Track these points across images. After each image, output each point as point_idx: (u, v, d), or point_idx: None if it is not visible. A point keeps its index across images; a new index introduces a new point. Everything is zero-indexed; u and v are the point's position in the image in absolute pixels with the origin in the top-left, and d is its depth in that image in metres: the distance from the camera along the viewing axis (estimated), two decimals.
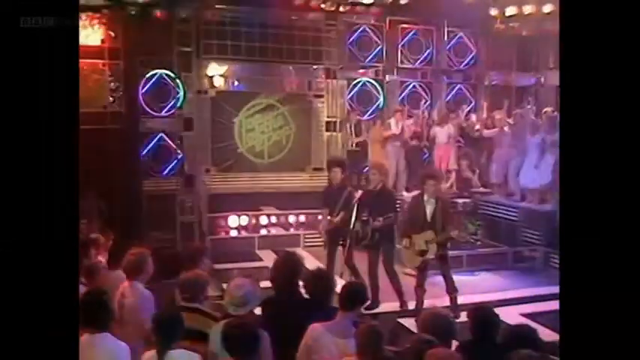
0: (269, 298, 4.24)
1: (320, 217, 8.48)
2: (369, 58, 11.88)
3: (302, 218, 11.24)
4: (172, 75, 10.66)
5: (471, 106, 12.34)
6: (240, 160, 11.70)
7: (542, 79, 12.10)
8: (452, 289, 7.36)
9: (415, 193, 8.02)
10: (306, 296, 4.13)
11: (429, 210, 7.34)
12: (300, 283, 4.20)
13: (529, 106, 10.70)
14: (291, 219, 11.22)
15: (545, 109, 10.41)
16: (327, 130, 11.91)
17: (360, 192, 7.82)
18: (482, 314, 3.97)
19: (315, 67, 11.73)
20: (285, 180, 11.82)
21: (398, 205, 8.35)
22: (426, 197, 7.36)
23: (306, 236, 10.63)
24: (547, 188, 9.83)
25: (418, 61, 12.18)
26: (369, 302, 4.05)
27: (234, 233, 10.88)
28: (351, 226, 7.50)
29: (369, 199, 7.52)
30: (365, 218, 7.52)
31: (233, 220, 10.87)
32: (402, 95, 12.23)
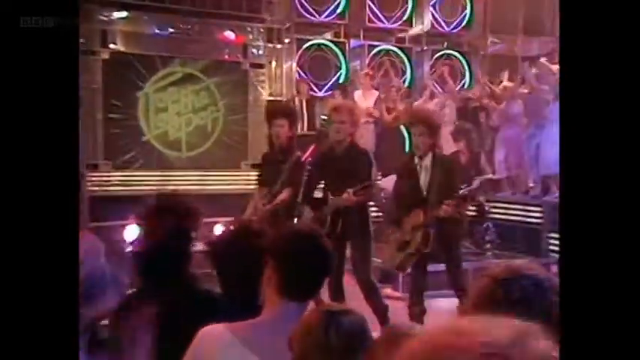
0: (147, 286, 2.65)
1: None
2: (326, 14, 9.87)
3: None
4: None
5: (463, 80, 10.36)
6: (147, 153, 9.38)
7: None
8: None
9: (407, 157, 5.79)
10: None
11: (423, 177, 5.08)
12: None
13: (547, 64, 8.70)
14: (219, 230, 8.74)
15: None
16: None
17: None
18: None
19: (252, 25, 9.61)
20: (211, 181, 9.56)
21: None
22: (416, 159, 5.08)
23: None
24: None
25: (392, 20, 10.18)
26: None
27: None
28: (298, 204, 5.17)
29: (327, 163, 5.22)
30: (321, 194, 5.26)
31: (130, 232, 8.24)
32: (372, 64, 10.19)
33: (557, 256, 7.97)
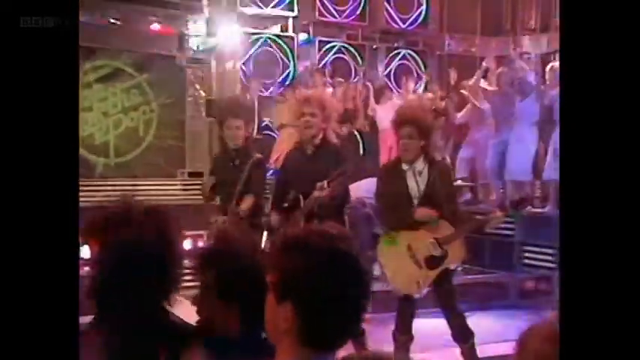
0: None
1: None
2: (274, 4, 9.15)
3: None
4: None
5: (420, 82, 9.83)
6: None
7: (520, 47, 9.85)
8: (463, 334, 4.54)
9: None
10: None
11: (413, 184, 4.47)
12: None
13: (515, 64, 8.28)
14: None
15: (551, 64, 8.04)
16: (209, 115, 8.93)
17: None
18: None
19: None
20: (144, 190, 8.47)
21: None
22: (405, 164, 4.45)
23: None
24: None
25: (345, 15, 9.55)
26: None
27: None
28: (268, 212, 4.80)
29: (297, 163, 4.72)
30: (291, 198, 4.64)
31: None
32: (324, 62, 9.57)
33: (530, 270, 7.63)
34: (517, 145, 7.80)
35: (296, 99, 4.89)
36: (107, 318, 2.02)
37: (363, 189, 6.01)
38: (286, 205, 4.56)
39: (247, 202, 4.77)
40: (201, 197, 8.63)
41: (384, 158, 8.50)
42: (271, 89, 8.91)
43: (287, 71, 9.20)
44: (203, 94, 9.01)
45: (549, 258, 7.42)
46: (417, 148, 4.39)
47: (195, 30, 8.90)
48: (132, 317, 1.98)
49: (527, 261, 7.69)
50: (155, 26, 8.76)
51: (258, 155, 5.09)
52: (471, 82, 8.47)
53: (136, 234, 1.95)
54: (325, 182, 4.27)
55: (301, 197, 4.48)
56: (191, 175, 8.87)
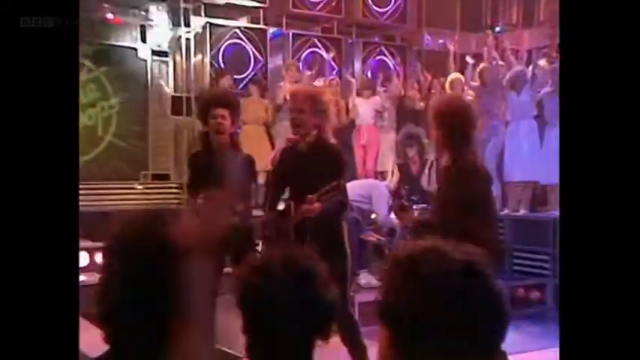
0: None
1: None
2: None
3: None
4: None
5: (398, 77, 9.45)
6: None
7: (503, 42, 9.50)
8: None
9: None
10: None
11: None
12: None
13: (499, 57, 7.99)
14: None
15: (539, 61, 7.78)
16: (174, 113, 8.39)
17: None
18: None
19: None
20: (103, 196, 7.94)
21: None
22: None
23: None
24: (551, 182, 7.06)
25: (319, 6, 9.10)
26: None
27: None
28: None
29: (290, 163, 4.30)
30: (285, 204, 4.27)
31: None
32: (299, 56, 9.03)
33: (523, 277, 7.27)
34: (514, 142, 7.47)
35: (284, 95, 4.44)
36: None
37: (354, 193, 5.52)
38: (279, 208, 4.11)
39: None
40: (165, 202, 8.08)
41: (359, 156, 8.26)
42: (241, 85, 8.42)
43: (258, 66, 8.66)
44: (168, 90, 8.46)
45: (542, 264, 7.08)
46: (439, 142, 4.05)
47: (159, 20, 8.37)
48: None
49: (518, 267, 7.32)
50: (109, 15, 8.15)
51: (247, 153, 4.65)
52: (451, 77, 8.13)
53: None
54: (314, 196, 3.85)
55: (292, 204, 4.03)
56: (155, 177, 8.37)
